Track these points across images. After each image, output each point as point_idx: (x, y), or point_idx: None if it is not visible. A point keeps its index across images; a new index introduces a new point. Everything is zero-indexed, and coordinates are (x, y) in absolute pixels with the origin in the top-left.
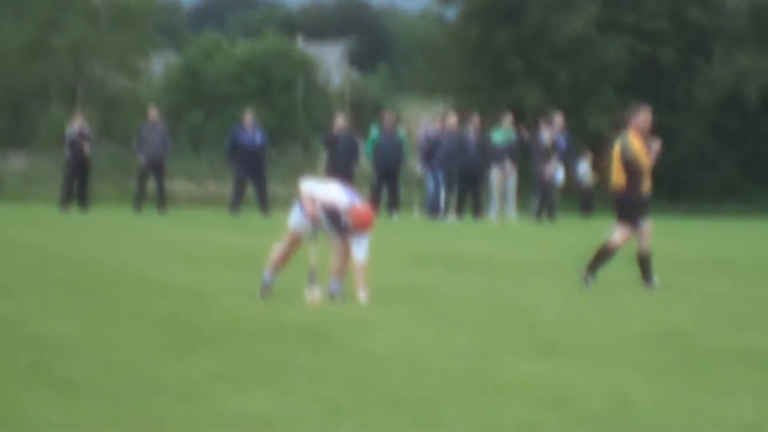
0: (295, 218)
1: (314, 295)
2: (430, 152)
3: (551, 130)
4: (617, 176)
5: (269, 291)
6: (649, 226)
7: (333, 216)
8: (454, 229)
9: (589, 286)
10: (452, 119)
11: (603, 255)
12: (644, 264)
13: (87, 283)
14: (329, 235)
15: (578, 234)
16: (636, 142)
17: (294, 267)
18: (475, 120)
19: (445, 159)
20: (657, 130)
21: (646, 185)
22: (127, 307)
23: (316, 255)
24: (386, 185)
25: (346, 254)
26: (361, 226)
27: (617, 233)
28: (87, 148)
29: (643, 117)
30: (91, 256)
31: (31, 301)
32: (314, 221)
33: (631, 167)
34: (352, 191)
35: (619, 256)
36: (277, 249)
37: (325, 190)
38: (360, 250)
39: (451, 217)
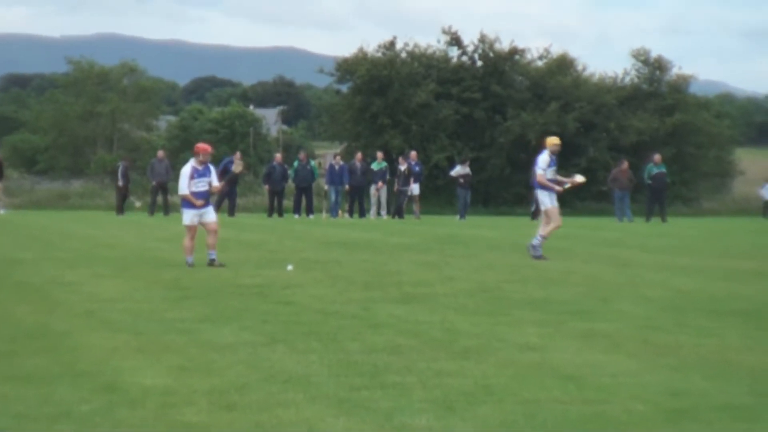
0: (186, 218)
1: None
2: (333, 176)
3: (408, 161)
4: None
5: (194, 266)
6: None
7: (201, 171)
8: (348, 224)
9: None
10: (359, 155)
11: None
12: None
13: (120, 260)
14: (206, 220)
15: (426, 227)
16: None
17: (249, 249)
18: (358, 155)
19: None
20: (474, 161)
21: None
22: (146, 274)
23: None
24: (304, 196)
25: (214, 232)
26: (202, 149)
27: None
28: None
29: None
30: (123, 242)
31: (86, 271)
32: (198, 214)
33: None
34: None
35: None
36: (186, 241)
37: (184, 178)
38: (211, 217)
39: (347, 216)
